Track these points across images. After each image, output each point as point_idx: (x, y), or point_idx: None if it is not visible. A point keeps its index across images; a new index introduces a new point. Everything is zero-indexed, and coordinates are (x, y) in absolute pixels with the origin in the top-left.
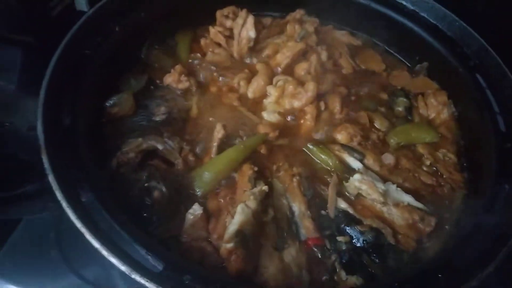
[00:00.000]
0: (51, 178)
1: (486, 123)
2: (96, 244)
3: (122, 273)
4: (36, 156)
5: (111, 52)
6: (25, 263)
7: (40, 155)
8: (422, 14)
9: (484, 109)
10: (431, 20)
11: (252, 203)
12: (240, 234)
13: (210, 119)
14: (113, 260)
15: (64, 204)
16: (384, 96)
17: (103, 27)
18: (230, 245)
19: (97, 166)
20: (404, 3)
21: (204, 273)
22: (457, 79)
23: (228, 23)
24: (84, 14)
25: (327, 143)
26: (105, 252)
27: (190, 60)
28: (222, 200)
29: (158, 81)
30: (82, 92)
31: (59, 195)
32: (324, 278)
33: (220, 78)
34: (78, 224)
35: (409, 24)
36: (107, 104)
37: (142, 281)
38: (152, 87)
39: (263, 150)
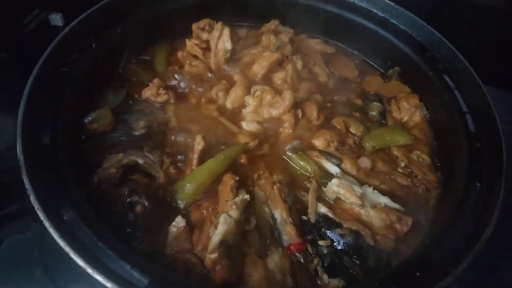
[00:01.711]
0: (32, 199)
1: (456, 124)
2: (80, 262)
3: None
4: (15, 177)
5: (88, 68)
6: (9, 283)
7: (19, 175)
8: (392, 20)
9: (453, 110)
10: (400, 26)
11: (234, 213)
12: (223, 244)
13: (190, 130)
14: (98, 277)
15: (47, 224)
16: (359, 101)
17: (79, 44)
18: (214, 256)
19: (78, 183)
20: (374, 10)
21: (190, 285)
22: (428, 82)
23: (205, 35)
24: (59, 29)
25: (305, 150)
26: (90, 270)
27: (167, 74)
28: (204, 211)
29: (136, 96)
30: (60, 110)
31: (41, 215)
32: (307, 282)
33: (199, 90)
34: (62, 243)
35: (380, 30)
36: (86, 120)
37: None
38: (130, 101)
39: (243, 160)
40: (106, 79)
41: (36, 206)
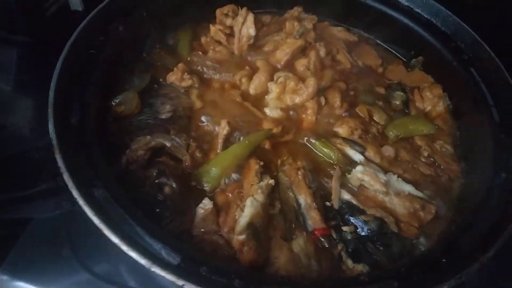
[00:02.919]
0: (66, 177)
1: (480, 114)
2: (115, 239)
3: (131, 268)
4: (46, 156)
5: (115, 51)
6: (37, 261)
7: (50, 155)
8: (417, 10)
9: (478, 101)
10: (425, 15)
11: (260, 196)
12: (251, 226)
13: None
14: (133, 254)
15: (81, 201)
16: (381, 90)
17: (106, 27)
18: (242, 237)
19: (107, 164)
20: None
21: (219, 265)
22: (452, 72)
23: (228, 21)
24: (79, 13)
25: (328, 137)
26: (124, 247)
27: (192, 58)
28: (230, 195)
29: (161, 80)
30: (88, 91)
31: (75, 193)
32: (331, 266)
33: (222, 75)
34: (96, 220)
35: (404, 19)
36: (113, 102)
37: (163, 273)
38: (156, 85)
39: (267, 145)
40: (131, 63)
41: (70, 184)
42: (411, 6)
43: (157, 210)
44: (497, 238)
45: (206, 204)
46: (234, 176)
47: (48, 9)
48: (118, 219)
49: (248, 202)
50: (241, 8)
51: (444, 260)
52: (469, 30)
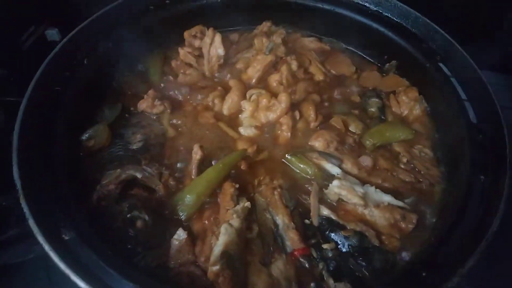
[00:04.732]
0: (31, 223)
1: (457, 115)
2: (81, 284)
3: None
4: (14, 200)
5: (82, 85)
6: None
7: (17, 199)
8: (386, 13)
9: (453, 101)
10: (394, 18)
11: (236, 222)
12: (225, 255)
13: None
14: None
15: (46, 247)
16: (357, 98)
17: (71, 61)
18: (216, 268)
19: (78, 202)
20: (367, 4)
21: None
22: (426, 74)
23: (197, 42)
24: (56, 44)
25: (305, 152)
26: None
27: (162, 84)
28: (206, 222)
29: (132, 108)
30: (56, 129)
31: (40, 238)
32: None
33: (194, 98)
34: (62, 265)
35: (374, 24)
36: (83, 137)
37: None
38: (127, 115)
39: (243, 166)
40: (101, 94)
41: (35, 229)
42: (380, 11)
43: (129, 246)
44: (476, 248)
45: (180, 235)
46: (211, 201)
47: (25, 43)
48: (87, 261)
49: (222, 229)
50: (208, 29)
51: (424, 274)
52: (439, 30)
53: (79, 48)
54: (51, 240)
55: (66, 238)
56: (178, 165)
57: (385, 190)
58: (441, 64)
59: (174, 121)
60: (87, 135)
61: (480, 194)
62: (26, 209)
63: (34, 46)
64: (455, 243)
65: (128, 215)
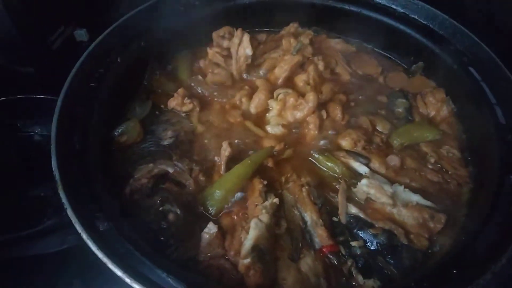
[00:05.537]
0: (69, 212)
1: (485, 116)
2: (118, 272)
3: None
4: (51, 191)
5: (115, 82)
6: None
7: (55, 190)
8: (413, 15)
9: (482, 102)
10: (421, 20)
11: (265, 217)
12: (256, 248)
13: (216, 137)
14: (136, 286)
15: (84, 236)
16: (383, 99)
17: (105, 59)
18: (247, 261)
19: (111, 195)
20: (394, 7)
21: None
22: (453, 75)
23: (225, 43)
24: (84, 44)
25: (332, 151)
26: (128, 280)
27: (191, 83)
28: (235, 217)
29: (162, 106)
30: (91, 124)
31: (78, 227)
32: (341, 284)
33: (222, 97)
34: (100, 254)
35: (401, 26)
36: (116, 133)
37: None
38: (157, 112)
39: (270, 163)
40: (132, 92)
41: (73, 219)
42: (407, 12)
43: (162, 238)
44: (509, 245)
45: (210, 229)
46: (239, 196)
47: (54, 43)
48: (122, 251)
49: (253, 224)
50: (237, 30)
51: (455, 272)
52: (466, 32)
53: (113, 46)
54: (88, 229)
55: (101, 229)
56: (207, 161)
57: (413, 190)
58: (468, 66)
59: (203, 118)
60: (119, 130)
61: (509, 193)
62: (64, 199)
63: (63, 46)
64: (486, 242)
65: (160, 208)
